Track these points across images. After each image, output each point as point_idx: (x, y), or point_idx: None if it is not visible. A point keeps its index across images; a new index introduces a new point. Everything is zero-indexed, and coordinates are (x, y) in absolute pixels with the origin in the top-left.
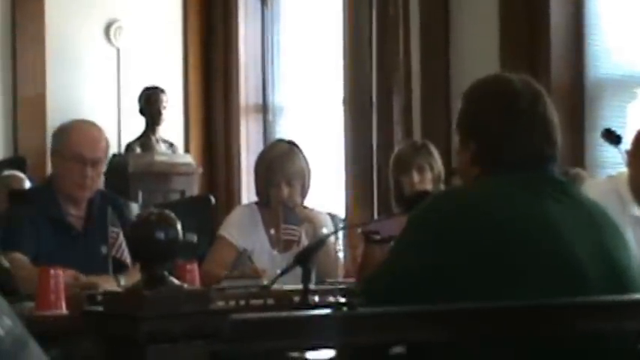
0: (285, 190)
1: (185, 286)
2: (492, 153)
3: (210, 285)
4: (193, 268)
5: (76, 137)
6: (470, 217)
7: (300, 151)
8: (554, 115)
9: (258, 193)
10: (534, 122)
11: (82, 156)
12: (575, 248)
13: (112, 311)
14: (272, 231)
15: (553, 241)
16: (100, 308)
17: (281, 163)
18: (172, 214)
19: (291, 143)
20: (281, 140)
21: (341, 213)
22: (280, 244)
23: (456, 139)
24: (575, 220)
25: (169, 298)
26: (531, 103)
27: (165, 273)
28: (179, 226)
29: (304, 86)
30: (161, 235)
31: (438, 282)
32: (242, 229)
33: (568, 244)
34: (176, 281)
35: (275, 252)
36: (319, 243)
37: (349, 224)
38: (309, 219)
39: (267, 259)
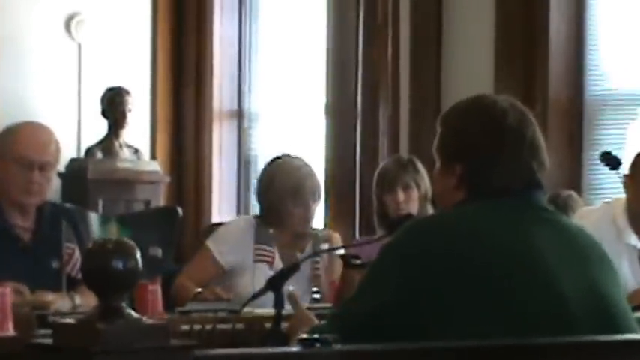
0: (313, 209)
1: (144, 319)
2: (480, 176)
3: (180, 300)
4: (155, 289)
5: (22, 140)
6: (453, 248)
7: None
8: (542, 139)
9: (266, 211)
10: (523, 144)
11: (28, 159)
12: (563, 284)
13: (63, 345)
14: (275, 248)
15: (539, 275)
16: (49, 341)
17: (311, 185)
18: (131, 242)
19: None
20: (288, 156)
21: (320, 227)
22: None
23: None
24: (563, 253)
25: (126, 332)
26: (519, 123)
27: (123, 304)
28: (138, 255)
29: (283, 92)
30: (119, 264)
31: (416, 316)
32: (233, 247)
33: (555, 279)
34: (134, 314)
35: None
36: (293, 268)
37: (335, 256)
38: (328, 239)
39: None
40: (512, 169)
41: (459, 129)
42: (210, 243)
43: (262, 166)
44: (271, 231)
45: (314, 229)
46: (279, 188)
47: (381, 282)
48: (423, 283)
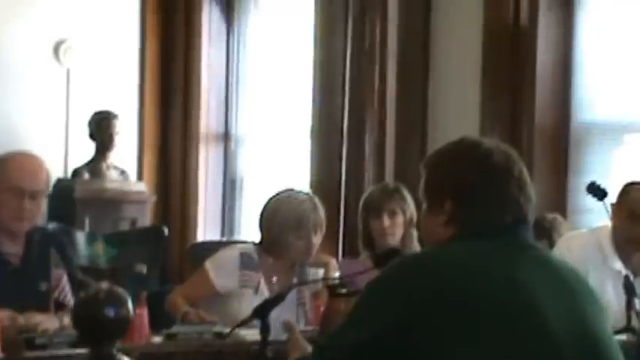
0: (315, 240)
1: None
2: (470, 211)
3: (172, 315)
4: (142, 313)
5: (14, 168)
6: (442, 286)
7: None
8: (528, 176)
9: (267, 240)
10: (510, 180)
11: (20, 188)
12: (552, 322)
13: None
14: (274, 279)
15: (529, 315)
16: None
17: (314, 216)
18: (122, 291)
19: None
20: (293, 189)
21: None
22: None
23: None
24: (552, 290)
25: None
26: (505, 160)
27: (114, 351)
28: (129, 303)
29: (270, 115)
30: (110, 312)
31: (403, 353)
32: (230, 272)
33: (544, 318)
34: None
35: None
36: (279, 297)
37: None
38: (325, 264)
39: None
40: (501, 205)
41: (446, 168)
42: (208, 264)
43: (248, 188)
44: (271, 260)
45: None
46: (281, 221)
47: (369, 318)
48: (411, 320)
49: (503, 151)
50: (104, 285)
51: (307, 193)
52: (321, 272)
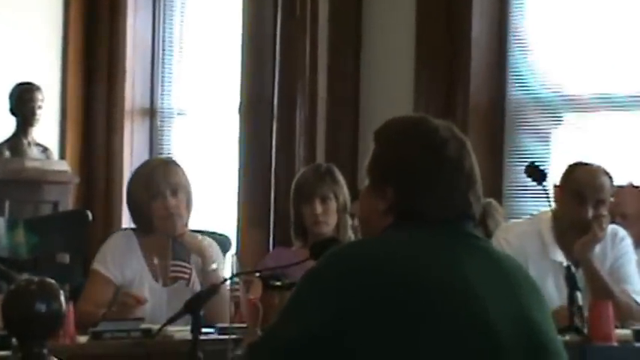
0: (172, 201)
1: None
2: (413, 203)
3: (87, 327)
4: (68, 309)
5: None
6: (380, 277)
7: (180, 166)
8: (478, 172)
9: (135, 218)
10: (461, 175)
11: None
12: (492, 314)
13: None
14: (155, 260)
15: (468, 306)
16: None
17: (163, 172)
18: (54, 283)
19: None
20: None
21: (232, 234)
22: (165, 275)
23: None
24: (493, 282)
25: None
26: (458, 153)
27: (45, 351)
28: (62, 297)
29: (199, 90)
30: (42, 307)
31: (342, 345)
32: (117, 259)
33: (484, 310)
34: None
35: (158, 285)
36: (212, 290)
37: (246, 268)
38: (198, 251)
39: (150, 292)
40: (448, 199)
41: (396, 150)
42: (95, 264)
43: None
44: (147, 240)
45: (195, 235)
46: (133, 190)
47: (305, 311)
48: (349, 312)
49: (458, 143)
50: (24, 276)
51: (169, 158)
52: (200, 260)
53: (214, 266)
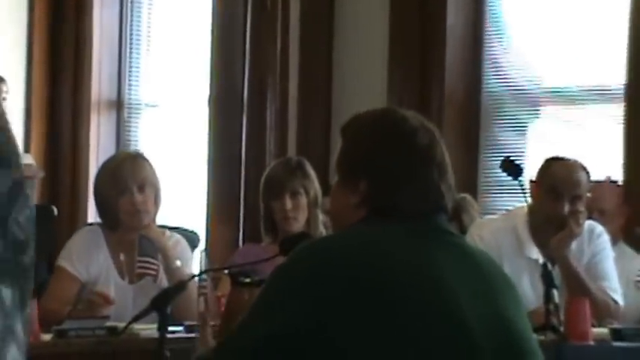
0: (139, 197)
1: None
2: (386, 195)
3: (51, 325)
4: (32, 307)
5: None
6: (352, 272)
7: (148, 160)
8: (449, 161)
9: (102, 213)
10: (432, 165)
11: None
12: (466, 311)
13: None
14: (121, 256)
15: (442, 303)
16: None
17: (130, 167)
18: None
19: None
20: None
21: (201, 229)
22: (131, 272)
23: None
24: (467, 279)
25: None
26: (429, 143)
27: None
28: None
29: (168, 82)
30: None
31: (312, 342)
32: (83, 256)
33: (458, 307)
34: None
35: (124, 282)
36: (180, 287)
37: (215, 264)
38: (160, 249)
39: (115, 289)
40: (421, 191)
41: (365, 143)
42: (60, 261)
43: None
44: (113, 236)
45: (162, 231)
46: (99, 185)
47: (275, 307)
48: (320, 308)
49: (427, 132)
50: None
51: (137, 152)
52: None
53: (178, 263)
